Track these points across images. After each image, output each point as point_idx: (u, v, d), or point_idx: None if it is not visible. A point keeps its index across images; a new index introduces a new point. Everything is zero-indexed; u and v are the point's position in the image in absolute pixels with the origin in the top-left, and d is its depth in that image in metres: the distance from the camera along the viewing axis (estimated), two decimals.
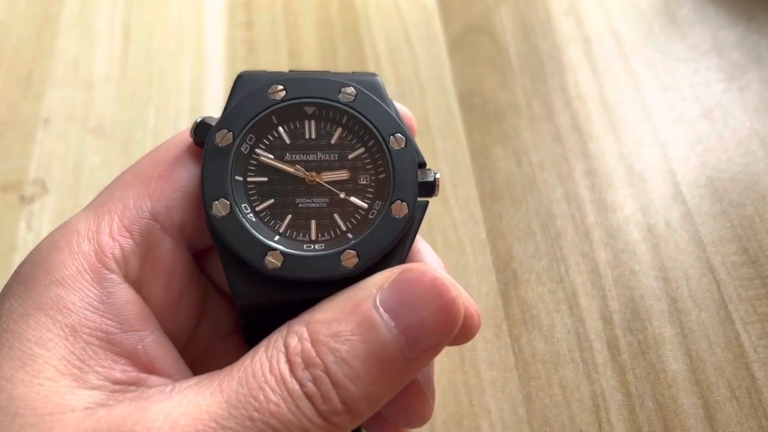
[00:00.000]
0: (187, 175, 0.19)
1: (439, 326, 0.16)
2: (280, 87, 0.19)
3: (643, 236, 0.30)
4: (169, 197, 0.18)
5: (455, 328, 0.17)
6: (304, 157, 0.19)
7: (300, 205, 0.18)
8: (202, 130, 0.19)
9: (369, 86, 0.19)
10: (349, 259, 0.17)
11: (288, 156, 0.19)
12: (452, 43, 0.37)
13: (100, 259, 0.17)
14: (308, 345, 0.16)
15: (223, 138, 0.18)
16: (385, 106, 0.19)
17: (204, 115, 0.19)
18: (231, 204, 0.18)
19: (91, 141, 0.36)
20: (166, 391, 0.16)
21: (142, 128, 0.36)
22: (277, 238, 0.18)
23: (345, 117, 0.19)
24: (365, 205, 0.19)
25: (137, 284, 0.18)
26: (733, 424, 0.25)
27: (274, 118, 0.19)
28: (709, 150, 0.32)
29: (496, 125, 0.33)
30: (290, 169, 0.19)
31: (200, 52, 0.39)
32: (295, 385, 0.15)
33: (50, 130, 0.36)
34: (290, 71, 0.20)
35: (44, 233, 0.33)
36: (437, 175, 0.19)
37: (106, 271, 0.17)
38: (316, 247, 0.18)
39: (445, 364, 0.28)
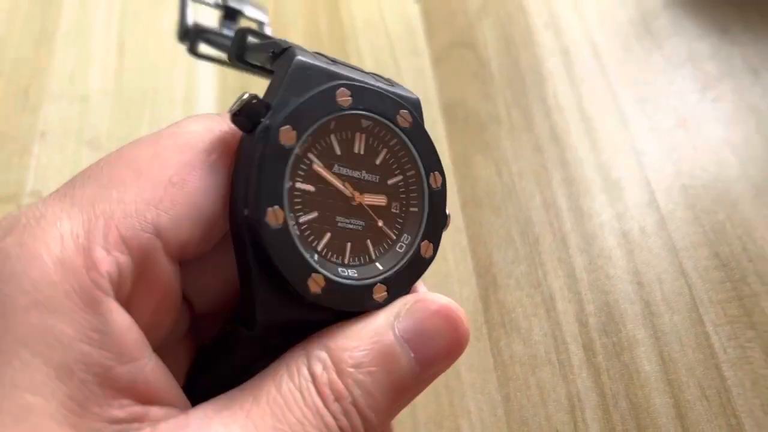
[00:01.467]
0: (201, 186, 0.16)
1: (449, 355, 0.17)
2: (348, 93, 0.17)
3: (618, 242, 0.31)
4: (181, 211, 0.16)
5: (460, 356, 0.17)
6: (351, 173, 0.18)
7: (339, 224, 0.17)
8: (251, 112, 0.16)
9: (414, 107, 0.19)
10: (380, 294, 0.17)
11: (336, 168, 0.17)
12: (436, 56, 0.38)
13: (93, 277, 0.14)
14: (335, 375, 0.15)
15: (288, 137, 0.16)
16: (431, 141, 0.18)
17: (248, 91, 0.16)
18: (284, 214, 0.16)
19: (86, 153, 0.37)
20: (180, 425, 0.14)
21: None
22: (316, 257, 0.16)
23: (395, 141, 0.18)
24: (393, 236, 0.18)
25: (127, 305, 0.15)
26: (702, 423, 0.26)
27: (332, 123, 0.17)
28: (683, 158, 0.33)
29: (477, 136, 0.35)
30: (339, 185, 0.17)
31: (192, 65, 0.40)
32: (330, 419, 0.15)
33: (47, 142, 0.37)
34: (344, 65, 0.18)
35: None
36: (449, 215, 0.19)
37: (101, 293, 0.14)
38: (349, 273, 0.17)
39: None
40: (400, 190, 0.18)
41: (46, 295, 0.14)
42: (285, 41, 0.18)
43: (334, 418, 0.15)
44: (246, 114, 0.16)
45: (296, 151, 0.16)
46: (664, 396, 0.27)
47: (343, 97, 0.17)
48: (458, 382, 0.28)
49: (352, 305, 0.17)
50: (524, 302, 0.30)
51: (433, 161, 0.18)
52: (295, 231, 0.16)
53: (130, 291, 0.15)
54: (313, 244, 0.16)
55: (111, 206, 0.15)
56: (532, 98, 0.35)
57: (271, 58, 0.18)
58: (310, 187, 0.17)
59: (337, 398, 0.15)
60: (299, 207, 0.16)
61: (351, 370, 0.15)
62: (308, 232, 0.16)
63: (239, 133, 0.16)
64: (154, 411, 0.15)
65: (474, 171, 0.33)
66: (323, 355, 0.16)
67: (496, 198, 0.33)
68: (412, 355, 0.16)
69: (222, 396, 0.15)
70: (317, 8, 0.41)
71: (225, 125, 0.17)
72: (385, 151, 0.18)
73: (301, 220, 0.16)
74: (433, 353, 0.16)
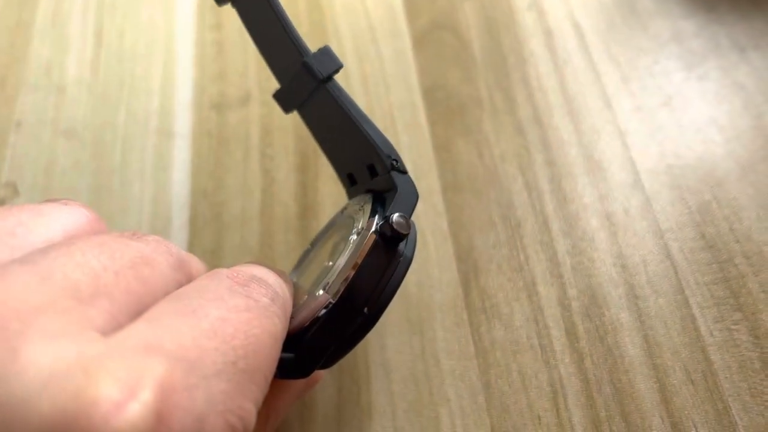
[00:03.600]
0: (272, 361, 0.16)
1: None
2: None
3: (601, 224, 0.30)
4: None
5: None
6: None
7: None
8: (401, 238, 0.19)
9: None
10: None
11: None
12: (417, 39, 0.37)
13: None
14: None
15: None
16: None
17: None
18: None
19: (62, 143, 0.36)
20: None
21: (113, 130, 0.36)
22: None
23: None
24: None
25: None
26: (689, 407, 0.26)
27: None
28: (668, 138, 0.32)
29: (458, 119, 0.34)
30: None
31: (170, 54, 0.39)
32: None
33: (22, 133, 0.37)
34: None
35: None
36: None
37: None
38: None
39: (405, 354, 0.28)
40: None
41: None
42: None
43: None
44: (400, 236, 0.18)
45: None
46: (649, 380, 0.26)
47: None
48: (437, 370, 0.27)
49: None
50: (505, 287, 0.29)
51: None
52: None
53: None
54: None
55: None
56: (514, 80, 0.35)
57: (392, 166, 0.21)
58: None
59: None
60: None
61: None
62: None
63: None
64: None
65: (455, 155, 0.33)
66: None
67: (478, 181, 0.32)
68: None
69: None
70: None
71: (279, 304, 0.18)
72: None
73: None
74: None
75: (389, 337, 0.28)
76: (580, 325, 0.28)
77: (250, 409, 0.15)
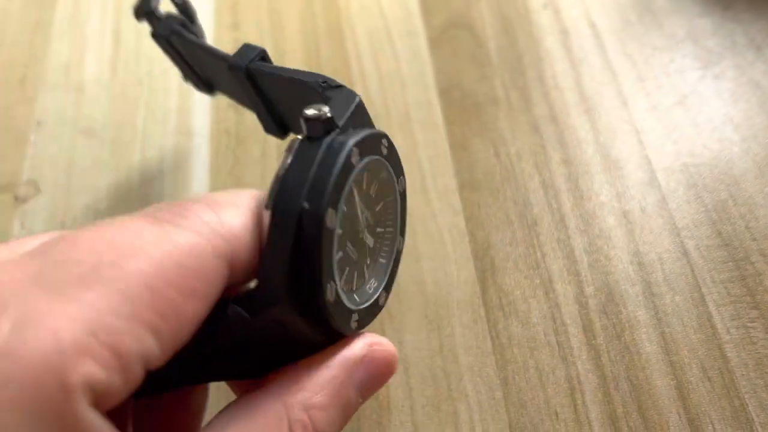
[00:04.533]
0: (194, 319, 0.15)
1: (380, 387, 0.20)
2: (386, 144, 0.19)
3: (618, 222, 0.30)
4: (169, 340, 0.15)
5: None
6: (364, 208, 0.19)
7: (347, 248, 0.18)
8: (327, 125, 0.17)
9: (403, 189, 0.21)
10: (354, 323, 0.19)
11: (358, 198, 0.19)
12: (433, 38, 0.37)
13: (78, 389, 0.13)
14: (306, 418, 0.17)
15: (355, 158, 0.17)
16: (406, 208, 0.21)
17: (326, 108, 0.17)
18: (336, 219, 0.17)
19: (81, 142, 0.37)
20: None
21: (131, 129, 0.37)
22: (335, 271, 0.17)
23: (391, 198, 0.20)
24: (366, 276, 0.20)
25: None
26: (705, 403, 0.26)
27: (371, 164, 0.18)
28: (684, 136, 0.32)
29: (475, 117, 0.34)
30: (360, 217, 0.19)
31: None
32: None
33: (43, 132, 0.37)
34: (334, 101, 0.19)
35: (37, 232, 0.34)
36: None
37: (83, 408, 0.13)
38: (340, 292, 0.18)
39: (423, 350, 0.28)
40: (381, 240, 0.20)
41: (27, 397, 0.12)
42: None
43: None
44: (323, 124, 0.17)
45: (356, 169, 0.17)
46: (665, 377, 0.27)
47: (383, 146, 0.19)
48: (456, 365, 0.28)
49: (340, 325, 0.18)
50: (522, 284, 0.29)
51: (403, 226, 0.21)
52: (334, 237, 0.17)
53: (118, 407, 0.14)
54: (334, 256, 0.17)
55: (108, 319, 0.13)
56: (530, 79, 0.35)
57: (323, 87, 0.20)
58: (343, 206, 0.17)
59: None
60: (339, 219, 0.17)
61: (321, 420, 0.17)
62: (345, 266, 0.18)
63: (237, 243, 0.16)
64: None
65: (472, 153, 0.33)
66: (304, 416, 0.17)
67: (495, 180, 0.32)
68: (361, 399, 0.19)
69: None
70: None
71: (219, 244, 0.16)
72: (382, 203, 0.20)
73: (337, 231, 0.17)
74: (374, 391, 0.19)
75: (407, 333, 0.29)
76: (597, 322, 0.28)
77: (132, 331, 0.14)
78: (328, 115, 0.17)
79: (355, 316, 0.18)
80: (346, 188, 0.17)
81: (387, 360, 0.19)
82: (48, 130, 0.37)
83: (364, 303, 0.19)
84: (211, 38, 0.40)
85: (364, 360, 0.19)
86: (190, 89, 0.38)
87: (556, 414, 0.26)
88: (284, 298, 0.16)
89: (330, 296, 0.17)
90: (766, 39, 0.34)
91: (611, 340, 0.28)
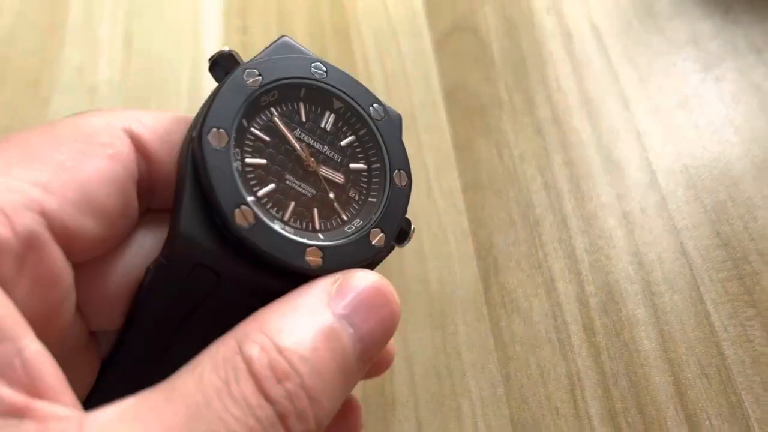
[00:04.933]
0: (96, 176, 0.15)
1: (384, 334, 0.16)
2: (323, 69, 0.18)
3: (618, 222, 0.31)
4: (71, 196, 0.14)
5: (392, 336, 0.16)
6: (312, 143, 0.18)
7: (287, 182, 0.17)
8: (227, 63, 0.16)
9: (395, 118, 0.19)
10: (314, 257, 0.16)
11: (298, 132, 0.18)
12: (438, 41, 0.38)
13: None
14: (277, 355, 0.13)
15: (253, 80, 0.16)
16: (402, 143, 0.19)
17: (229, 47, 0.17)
18: (229, 140, 0.16)
19: None
20: (75, 425, 0.12)
21: None
22: (251, 198, 0.16)
23: (365, 129, 0.18)
24: (345, 218, 0.18)
25: (6, 284, 0.13)
26: (702, 400, 0.26)
27: (303, 91, 0.18)
28: (684, 138, 0.33)
29: (479, 119, 0.35)
30: (297, 146, 0.17)
31: (198, 56, 0.41)
32: (264, 409, 0.13)
33: None
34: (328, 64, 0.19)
35: None
36: (413, 228, 0.19)
37: None
38: (286, 228, 0.16)
39: (427, 348, 0.29)
40: (362, 177, 0.18)
41: None
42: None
43: (273, 403, 0.13)
44: (222, 63, 0.16)
45: (258, 93, 0.16)
46: (664, 374, 0.27)
47: (318, 71, 0.18)
48: (459, 362, 0.28)
49: (279, 252, 0.16)
50: (525, 283, 0.30)
51: (400, 161, 0.18)
52: (236, 164, 0.16)
53: (12, 271, 0.13)
54: (254, 189, 0.16)
55: None
56: (533, 81, 0.36)
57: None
58: (264, 137, 0.17)
59: (282, 379, 0.13)
60: (249, 149, 0.16)
61: (294, 346, 0.14)
62: (252, 175, 0.16)
63: (152, 136, 0.17)
64: (40, 407, 0.12)
65: (475, 154, 0.34)
66: (261, 337, 0.14)
67: (497, 181, 0.33)
68: (351, 330, 0.15)
69: (130, 398, 0.13)
70: None
71: (133, 124, 0.16)
72: (353, 137, 0.18)
73: (248, 160, 0.16)
74: (371, 328, 0.15)
75: (411, 331, 0.29)
76: (597, 320, 0.29)
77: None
78: (227, 50, 0.17)
79: (315, 251, 0.16)
80: (241, 110, 0.16)
81: (369, 285, 0.16)
82: None
83: (335, 239, 0.17)
84: (220, 41, 0.41)
85: (342, 291, 0.15)
86: (199, 92, 0.39)
87: (557, 409, 0.27)
88: (180, 233, 0.15)
89: (242, 221, 0.15)
90: (766, 42, 0.34)
91: (611, 338, 0.28)
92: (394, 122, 0.19)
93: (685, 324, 0.28)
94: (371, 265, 0.18)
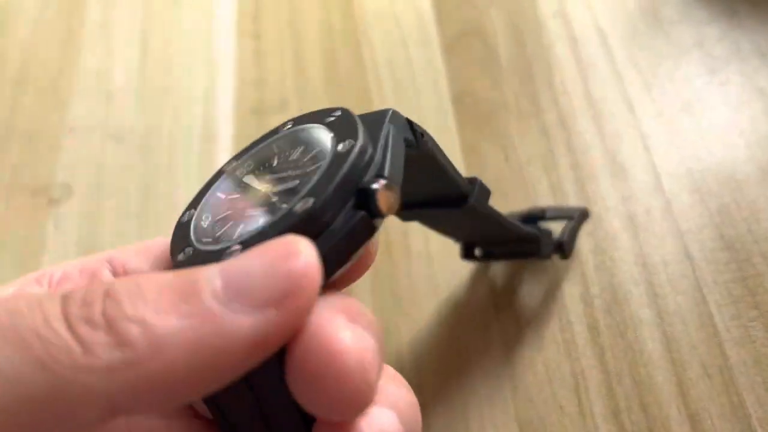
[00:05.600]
0: None
1: (271, 274, 0.13)
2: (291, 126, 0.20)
3: (623, 225, 0.31)
4: None
5: (302, 278, 0.13)
6: (275, 176, 0.19)
7: (246, 213, 0.18)
8: None
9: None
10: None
11: (268, 177, 0.19)
12: (446, 46, 0.39)
13: None
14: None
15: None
16: (356, 122, 0.17)
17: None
18: (194, 214, 0.19)
19: (112, 147, 0.39)
20: None
21: (158, 135, 0.39)
22: (209, 240, 0.17)
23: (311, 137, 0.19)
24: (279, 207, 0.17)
25: None
26: (705, 400, 0.27)
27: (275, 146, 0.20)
28: (689, 142, 0.33)
29: (486, 123, 0.35)
30: (261, 189, 0.18)
31: (212, 61, 0.42)
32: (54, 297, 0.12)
33: (75, 137, 0.39)
34: None
35: (70, 232, 0.36)
36: (375, 186, 0.15)
37: None
38: (209, 241, 0.18)
39: (434, 348, 0.30)
40: (307, 170, 0.17)
41: None
42: None
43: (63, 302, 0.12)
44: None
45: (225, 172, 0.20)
46: (667, 374, 0.28)
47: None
48: (466, 362, 0.29)
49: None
50: (531, 284, 0.31)
51: (350, 133, 0.17)
52: (199, 223, 0.18)
53: None
54: (216, 233, 0.17)
55: None
56: (539, 85, 0.36)
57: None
58: (234, 195, 0.19)
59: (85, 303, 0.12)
60: (215, 210, 0.19)
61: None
62: (218, 225, 0.18)
63: None
64: None
65: (482, 157, 0.34)
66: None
67: (504, 183, 0.33)
68: (219, 282, 0.13)
69: None
70: (330, 1, 0.42)
71: None
72: (302, 147, 0.19)
73: (214, 219, 0.18)
74: (244, 264, 0.13)
75: (418, 331, 0.30)
76: (602, 321, 0.29)
77: None
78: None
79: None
80: (209, 193, 0.20)
81: (280, 240, 0.13)
82: (80, 135, 0.39)
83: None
84: (232, 47, 0.42)
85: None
86: (214, 97, 0.40)
87: (562, 407, 0.28)
88: None
89: (181, 257, 0.17)
90: None
91: (615, 338, 0.29)
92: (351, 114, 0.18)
93: (688, 325, 0.29)
94: (358, 239, 0.16)
